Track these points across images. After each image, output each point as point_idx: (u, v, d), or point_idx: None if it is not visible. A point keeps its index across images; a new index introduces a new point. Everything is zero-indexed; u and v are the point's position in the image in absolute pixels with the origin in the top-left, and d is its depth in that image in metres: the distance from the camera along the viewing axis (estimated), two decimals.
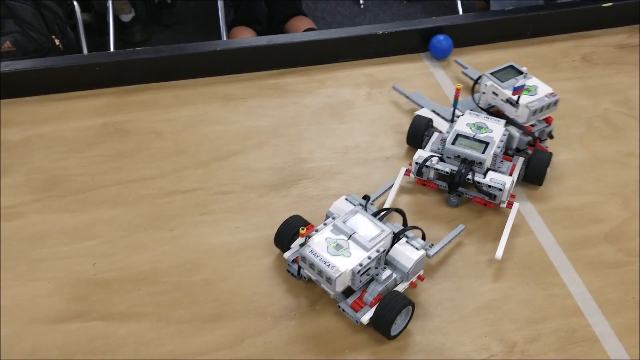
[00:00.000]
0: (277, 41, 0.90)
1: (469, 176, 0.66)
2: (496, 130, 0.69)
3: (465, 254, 0.64)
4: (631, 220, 0.67)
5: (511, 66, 0.74)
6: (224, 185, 0.71)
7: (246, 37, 1.97)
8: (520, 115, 0.71)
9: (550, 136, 0.75)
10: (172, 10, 2.22)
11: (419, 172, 0.69)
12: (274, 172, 0.73)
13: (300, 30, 2.08)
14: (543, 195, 0.71)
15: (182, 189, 0.71)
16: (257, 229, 0.65)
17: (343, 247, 0.54)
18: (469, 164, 0.67)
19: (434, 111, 0.80)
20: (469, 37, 0.96)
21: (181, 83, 0.88)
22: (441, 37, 0.93)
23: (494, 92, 0.73)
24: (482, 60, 0.94)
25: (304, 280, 0.59)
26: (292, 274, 0.60)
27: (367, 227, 0.56)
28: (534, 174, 0.71)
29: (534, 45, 0.98)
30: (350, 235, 0.55)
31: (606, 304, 0.58)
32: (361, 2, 2.43)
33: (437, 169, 0.68)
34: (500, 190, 0.65)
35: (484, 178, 0.66)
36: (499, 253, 0.61)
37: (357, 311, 0.55)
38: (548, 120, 0.74)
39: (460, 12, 2.18)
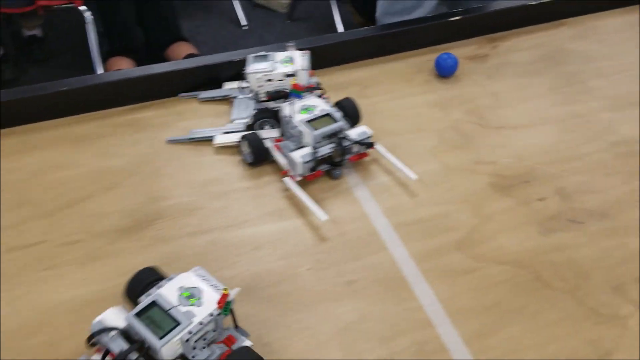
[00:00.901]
0: (131, 74, 0.88)
1: (344, 144, 0.74)
2: (317, 102, 0.77)
3: (322, 277, 0.64)
4: (479, 226, 0.71)
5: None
6: (71, 235, 0.67)
7: (123, 68, 1.91)
8: (300, 79, 0.78)
9: (319, 84, 0.83)
10: (43, 45, 2.11)
11: (311, 169, 0.73)
12: (125, 215, 0.70)
13: (181, 57, 2.05)
14: (397, 209, 0.73)
15: (24, 243, 0.66)
16: (106, 280, 0.62)
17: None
18: (335, 135, 0.74)
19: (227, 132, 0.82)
20: (329, 58, 0.98)
21: (28, 127, 0.83)
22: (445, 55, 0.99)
23: (268, 80, 0.80)
24: (341, 80, 0.96)
25: None
26: None
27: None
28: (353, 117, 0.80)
29: (391, 62, 1.02)
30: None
31: (456, 313, 0.60)
32: (243, 23, 2.44)
33: (320, 157, 0.73)
34: (369, 135, 0.76)
35: (352, 136, 0.75)
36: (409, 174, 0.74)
37: None
38: (311, 74, 0.83)
39: (341, 30, 2.25)
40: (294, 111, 0.75)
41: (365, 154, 0.78)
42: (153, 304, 0.49)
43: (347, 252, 0.67)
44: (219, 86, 0.92)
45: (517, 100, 0.92)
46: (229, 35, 2.40)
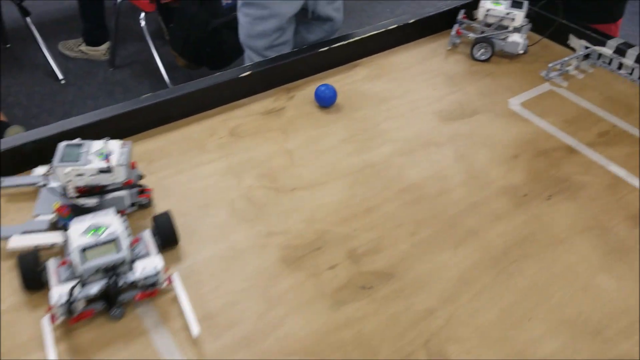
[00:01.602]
0: None
1: (120, 282, 0.62)
2: (111, 220, 0.66)
3: None
4: (267, 313, 0.66)
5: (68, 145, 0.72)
6: None
7: None
8: (117, 176, 0.71)
9: (140, 177, 0.80)
10: None
11: (70, 311, 0.61)
12: None
13: None
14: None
15: None
16: None
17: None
18: (113, 269, 0.63)
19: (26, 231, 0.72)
20: (111, 131, 0.89)
21: None
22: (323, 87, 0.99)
23: (79, 175, 0.69)
24: (135, 151, 0.87)
25: None
26: None
27: None
28: (168, 238, 0.71)
29: (185, 126, 0.96)
30: None
31: None
32: (60, 77, 2.25)
33: (87, 296, 0.62)
34: (157, 273, 0.65)
35: (135, 274, 0.63)
36: (195, 328, 0.61)
37: None
38: (132, 165, 0.78)
39: (165, 75, 2.15)
40: (78, 232, 0.64)
41: (154, 292, 0.66)
42: None
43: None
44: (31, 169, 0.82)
45: (312, 155, 0.90)
46: (44, 91, 2.20)
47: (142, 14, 2.11)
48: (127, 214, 0.76)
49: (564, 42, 1.19)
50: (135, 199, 0.77)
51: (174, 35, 2.04)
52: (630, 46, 1.09)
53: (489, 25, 1.15)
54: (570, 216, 0.80)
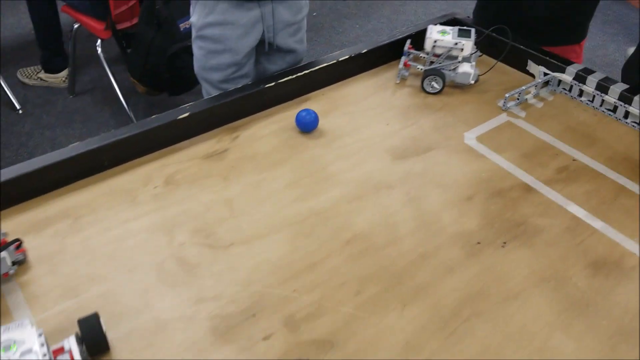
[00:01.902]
0: None
1: None
2: (23, 335, 0.57)
3: None
4: None
5: None
6: None
7: None
8: None
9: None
10: None
11: None
12: None
13: None
14: None
15: None
16: None
17: None
18: None
19: None
20: (26, 189, 0.83)
21: None
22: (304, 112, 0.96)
23: None
24: (47, 214, 0.81)
25: None
26: None
27: None
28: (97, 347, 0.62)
29: (117, 175, 0.89)
30: None
31: None
32: (17, 107, 2.17)
33: None
34: None
35: None
36: None
37: None
38: None
39: (123, 102, 2.08)
40: None
41: None
42: None
43: None
44: None
45: (253, 203, 0.84)
46: (1, 123, 2.12)
47: (99, 41, 2.04)
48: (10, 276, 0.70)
49: (522, 67, 1.14)
50: (14, 257, 0.72)
51: (132, 62, 1.97)
52: (591, 72, 1.05)
53: (437, 55, 1.10)
54: (525, 266, 0.75)
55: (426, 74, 1.07)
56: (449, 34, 1.08)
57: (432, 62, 1.10)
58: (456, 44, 1.06)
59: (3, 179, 0.80)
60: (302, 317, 0.68)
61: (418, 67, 1.11)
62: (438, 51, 1.09)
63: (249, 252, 0.77)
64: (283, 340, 0.65)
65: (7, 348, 0.55)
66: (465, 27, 1.10)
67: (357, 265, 0.75)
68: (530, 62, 1.12)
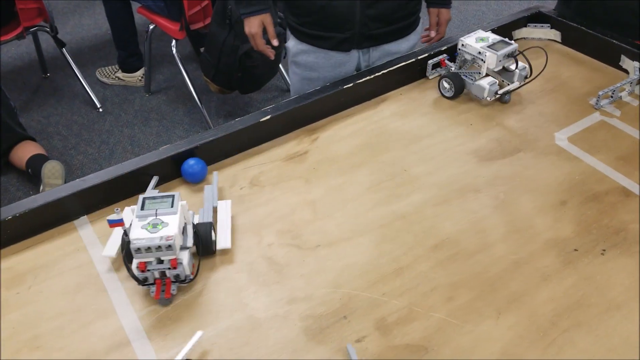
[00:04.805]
0: None
1: None
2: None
3: None
4: None
5: None
6: None
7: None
8: None
9: None
10: None
11: None
12: None
13: (24, 160, 1.86)
14: None
15: None
16: None
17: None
18: None
19: None
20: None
21: None
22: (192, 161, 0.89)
23: None
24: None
25: None
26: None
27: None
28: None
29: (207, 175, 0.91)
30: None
31: None
32: (97, 105, 2.27)
33: None
34: None
35: None
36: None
37: None
38: None
39: (197, 102, 2.13)
40: None
41: None
42: None
43: None
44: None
45: (336, 206, 0.84)
46: (83, 121, 2.22)
47: (174, 42, 2.10)
48: None
49: (614, 63, 1.08)
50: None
51: (205, 62, 2.02)
52: None
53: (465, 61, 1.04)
54: (627, 275, 0.71)
55: (442, 76, 1.04)
56: (484, 41, 1.01)
57: (461, 67, 1.05)
58: (479, 53, 1.00)
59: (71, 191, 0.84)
60: (393, 321, 0.68)
61: (451, 67, 1.07)
62: (466, 56, 1.03)
63: (335, 254, 0.77)
64: (376, 344, 0.65)
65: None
66: (507, 40, 1.01)
67: (446, 271, 0.73)
68: (623, 57, 1.06)
